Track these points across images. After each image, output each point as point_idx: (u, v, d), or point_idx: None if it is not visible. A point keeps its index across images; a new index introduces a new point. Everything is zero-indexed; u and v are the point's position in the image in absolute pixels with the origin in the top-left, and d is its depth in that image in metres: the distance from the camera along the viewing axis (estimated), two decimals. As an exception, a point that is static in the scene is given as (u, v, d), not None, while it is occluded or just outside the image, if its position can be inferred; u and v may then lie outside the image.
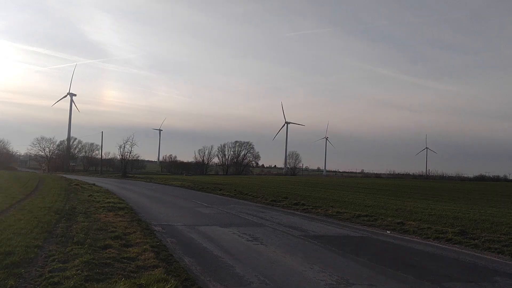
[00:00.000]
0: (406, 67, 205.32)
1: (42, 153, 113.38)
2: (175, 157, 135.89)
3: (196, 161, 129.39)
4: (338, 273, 8.26)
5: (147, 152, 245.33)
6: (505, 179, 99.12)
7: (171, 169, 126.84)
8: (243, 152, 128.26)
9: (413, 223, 15.79)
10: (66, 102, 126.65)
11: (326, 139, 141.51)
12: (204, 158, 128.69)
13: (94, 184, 37.54)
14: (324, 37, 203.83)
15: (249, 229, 13.84)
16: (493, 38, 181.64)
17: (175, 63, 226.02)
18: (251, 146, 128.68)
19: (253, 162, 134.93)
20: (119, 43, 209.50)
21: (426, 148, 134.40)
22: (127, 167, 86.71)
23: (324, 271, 8.40)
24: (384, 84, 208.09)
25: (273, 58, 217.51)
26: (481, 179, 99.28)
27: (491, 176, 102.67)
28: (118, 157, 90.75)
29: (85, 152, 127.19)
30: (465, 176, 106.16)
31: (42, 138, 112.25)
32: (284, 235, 13.01)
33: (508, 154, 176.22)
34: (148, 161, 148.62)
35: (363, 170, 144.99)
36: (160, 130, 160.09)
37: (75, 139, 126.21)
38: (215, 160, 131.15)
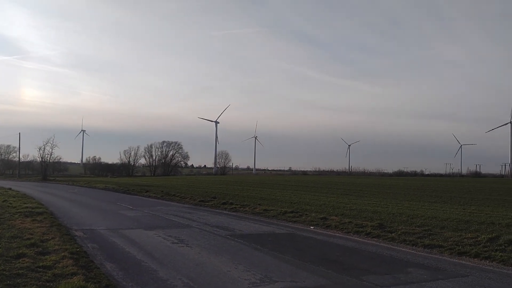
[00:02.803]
0: (331, 69, 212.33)
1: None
2: (100, 158, 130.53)
3: (122, 163, 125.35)
4: (262, 271, 8.37)
5: (69, 154, 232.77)
6: (422, 174, 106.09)
7: (96, 171, 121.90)
8: (171, 152, 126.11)
9: (335, 218, 16.39)
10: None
11: (255, 138, 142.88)
12: (130, 159, 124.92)
13: (10, 189, 35.19)
14: (251, 38, 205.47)
15: (175, 231, 13.67)
16: (411, 42, 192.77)
17: (99, 62, 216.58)
18: (180, 146, 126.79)
19: (182, 163, 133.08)
20: (37, 39, 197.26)
21: (348, 146, 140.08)
22: (48, 170, 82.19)
23: (248, 270, 8.48)
24: (310, 85, 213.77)
25: (200, 58, 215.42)
26: (399, 174, 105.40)
27: (409, 171, 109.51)
28: (38, 159, 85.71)
29: (1, 154, 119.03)
30: (385, 171, 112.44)
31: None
32: (210, 235, 12.98)
33: (424, 151, 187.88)
34: (70, 163, 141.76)
35: (291, 167, 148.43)
36: (83, 131, 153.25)
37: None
38: (142, 161, 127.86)
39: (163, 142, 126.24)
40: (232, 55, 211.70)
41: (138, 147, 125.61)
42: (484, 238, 11.60)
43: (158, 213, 19.01)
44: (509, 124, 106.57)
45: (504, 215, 16.88)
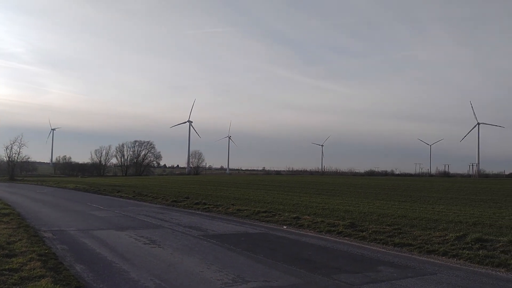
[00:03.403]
0: (303, 69, 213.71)
1: None
2: (70, 158, 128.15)
3: (93, 162, 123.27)
4: (235, 271, 8.37)
5: (38, 154, 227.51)
6: (392, 174, 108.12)
7: (66, 171, 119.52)
8: (143, 152, 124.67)
9: (308, 217, 16.51)
10: None
11: (229, 138, 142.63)
12: (101, 159, 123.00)
13: (-25, 189, 34.24)
14: (225, 37, 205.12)
15: (147, 232, 13.52)
16: (383, 43, 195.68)
17: (70, 60, 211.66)
18: (152, 145, 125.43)
19: (155, 162, 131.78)
20: (3, 36, 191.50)
21: (322, 145, 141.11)
22: (16, 170, 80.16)
23: (221, 270, 8.46)
24: (283, 85, 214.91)
25: (174, 57, 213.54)
26: (371, 174, 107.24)
27: (380, 171, 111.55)
28: (5, 159, 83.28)
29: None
30: (357, 171, 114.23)
31: None
32: (183, 236, 12.89)
33: (395, 151, 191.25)
34: (40, 162, 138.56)
35: (264, 167, 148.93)
36: (53, 130, 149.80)
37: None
38: (113, 160, 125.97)
39: (135, 141, 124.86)
40: (206, 55, 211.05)
41: (109, 147, 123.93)
42: (452, 236, 11.88)
43: (129, 214, 18.77)
44: (477, 125, 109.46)
45: (471, 214, 17.35)
